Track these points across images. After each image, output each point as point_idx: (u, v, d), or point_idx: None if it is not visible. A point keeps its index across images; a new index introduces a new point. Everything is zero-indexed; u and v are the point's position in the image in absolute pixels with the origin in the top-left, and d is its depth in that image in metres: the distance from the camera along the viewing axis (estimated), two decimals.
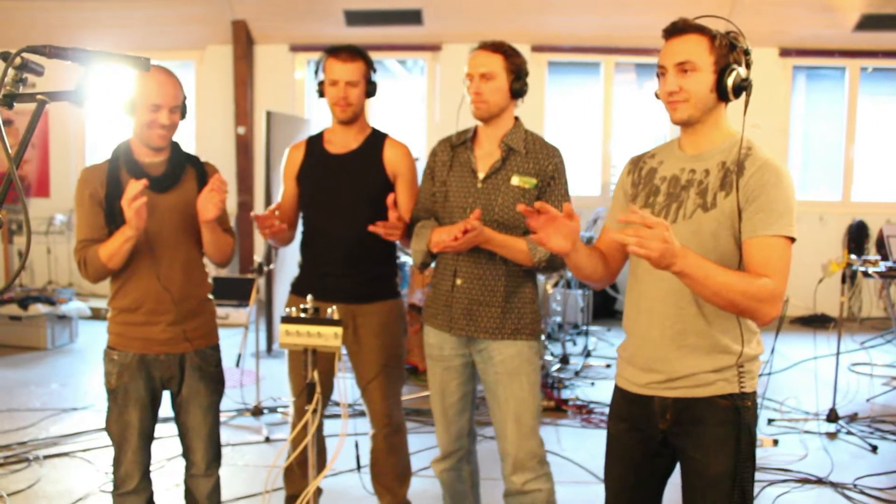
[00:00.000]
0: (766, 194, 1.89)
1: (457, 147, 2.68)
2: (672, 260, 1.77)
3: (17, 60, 1.28)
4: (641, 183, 2.12)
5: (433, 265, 2.76)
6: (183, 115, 2.55)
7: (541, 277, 6.52)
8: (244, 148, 8.24)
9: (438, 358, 2.73)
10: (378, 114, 8.25)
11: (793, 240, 1.90)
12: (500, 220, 2.55)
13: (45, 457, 4.01)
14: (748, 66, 1.97)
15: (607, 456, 2.20)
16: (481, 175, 2.60)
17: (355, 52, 2.83)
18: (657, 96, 2.04)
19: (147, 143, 2.51)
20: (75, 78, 1.46)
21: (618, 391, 2.17)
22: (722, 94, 1.95)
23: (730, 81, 1.93)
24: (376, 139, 2.93)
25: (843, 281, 4.79)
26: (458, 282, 2.62)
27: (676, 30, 1.97)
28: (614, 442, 2.18)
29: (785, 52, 7.95)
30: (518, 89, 2.59)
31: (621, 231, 1.77)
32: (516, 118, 2.66)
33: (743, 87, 1.94)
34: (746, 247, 1.90)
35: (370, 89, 2.88)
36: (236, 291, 7.25)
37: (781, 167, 1.93)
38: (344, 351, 2.92)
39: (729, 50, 1.94)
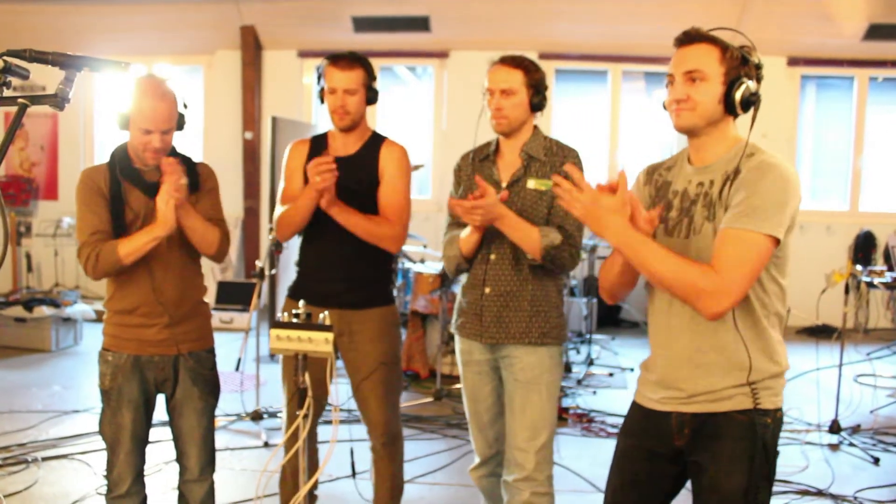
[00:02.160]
0: (747, 188, 1.85)
1: (481, 161, 2.72)
2: (602, 231, 1.87)
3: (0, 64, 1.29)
4: (658, 197, 2.10)
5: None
6: (181, 128, 2.55)
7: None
8: (251, 153, 8.28)
9: (468, 363, 2.75)
10: (387, 118, 8.27)
11: (774, 238, 1.82)
12: None
13: (44, 459, 4.02)
14: (759, 80, 1.94)
15: (611, 468, 2.18)
16: (504, 184, 2.65)
17: (354, 60, 2.81)
18: (664, 106, 2.02)
19: (141, 160, 2.54)
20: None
21: (634, 406, 2.15)
22: (729, 107, 1.92)
23: (738, 94, 1.90)
24: (375, 142, 2.93)
25: (847, 291, 4.76)
26: (487, 290, 2.65)
27: (688, 38, 1.95)
28: (620, 456, 2.16)
29: (793, 62, 7.93)
30: (538, 103, 2.63)
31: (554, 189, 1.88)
32: (535, 127, 2.71)
33: (751, 101, 1.92)
34: (717, 236, 1.87)
35: (370, 96, 2.87)
36: (240, 296, 7.27)
37: (775, 163, 1.87)
38: (339, 361, 2.92)
39: (741, 63, 1.92)
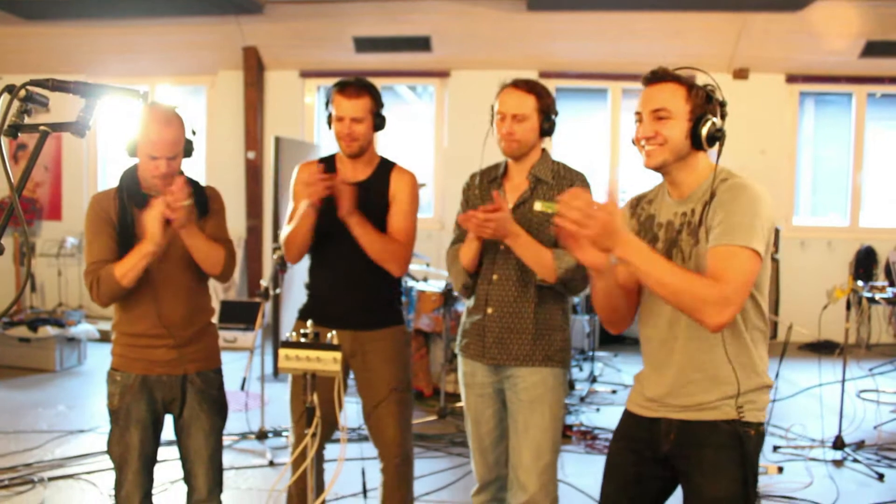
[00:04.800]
0: (723, 208, 1.93)
1: (489, 183, 2.75)
2: (612, 243, 1.83)
3: (22, 93, 1.32)
4: (643, 231, 2.17)
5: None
6: (188, 154, 2.59)
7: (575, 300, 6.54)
8: (254, 172, 8.32)
9: (472, 385, 2.76)
10: (388, 137, 8.31)
11: (756, 252, 1.88)
12: None
13: (50, 479, 4.03)
14: (723, 117, 2.04)
15: (604, 474, 2.24)
16: (510, 206, 2.66)
17: (362, 88, 2.83)
18: (633, 142, 2.09)
19: (149, 185, 2.57)
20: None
21: (626, 413, 2.21)
22: (696, 142, 2.00)
23: (704, 130, 1.99)
24: (385, 169, 2.96)
25: (848, 307, 4.78)
26: (490, 310, 2.66)
27: (655, 78, 2.05)
28: (611, 460, 2.23)
29: (792, 79, 7.98)
30: (548, 129, 2.67)
31: (561, 211, 1.82)
32: (543, 150, 2.74)
33: (717, 136, 2.01)
34: (707, 258, 1.93)
35: (378, 123, 2.89)
36: (244, 315, 7.29)
37: (746, 184, 1.96)
38: (351, 378, 2.94)
39: (706, 101, 2.01)
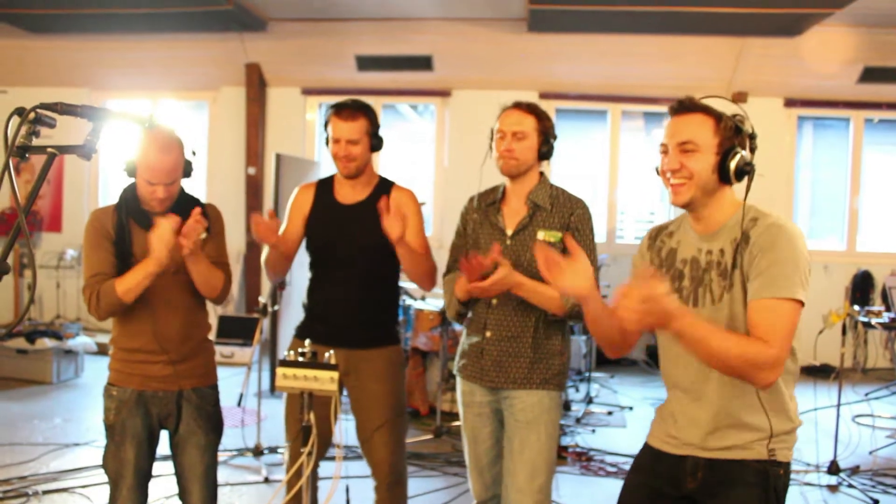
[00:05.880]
0: (764, 256, 1.85)
1: (487, 207, 2.77)
2: (667, 321, 1.75)
3: (31, 115, 1.35)
4: (664, 266, 2.09)
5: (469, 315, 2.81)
6: (188, 175, 2.61)
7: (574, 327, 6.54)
8: (254, 189, 8.35)
9: (470, 404, 2.77)
10: (389, 156, 8.35)
11: (800, 302, 1.82)
12: (529, 275, 2.60)
13: (45, 492, 4.02)
14: (753, 150, 1.96)
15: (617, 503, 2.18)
16: (509, 232, 2.69)
17: (357, 110, 2.86)
18: (658, 173, 2.03)
19: (147, 206, 2.59)
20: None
21: (647, 447, 2.14)
22: (724, 177, 1.92)
23: (733, 164, 1.91)
24: (384, 188, 2.99)
25: (844, 332, 4.80)
26: (488, 334, 2.69)
27: (682, 108, 1.96)
28: (624, 492, 2.16)
29: (790, 103, 8.04)
30: (546, 152, 2.70)
31: (618, 304, 1.76)
32: (541, 173, 2.76)
33: (746, 170, 1.93)
34: (749, 310, 1.86)
35: (375, 144, 2.92)
36: (242, 330, 7.30)
37: (785, 225, 1.88)
38: (345, 397, 2.95)
39: (734, 133, 1.93)
